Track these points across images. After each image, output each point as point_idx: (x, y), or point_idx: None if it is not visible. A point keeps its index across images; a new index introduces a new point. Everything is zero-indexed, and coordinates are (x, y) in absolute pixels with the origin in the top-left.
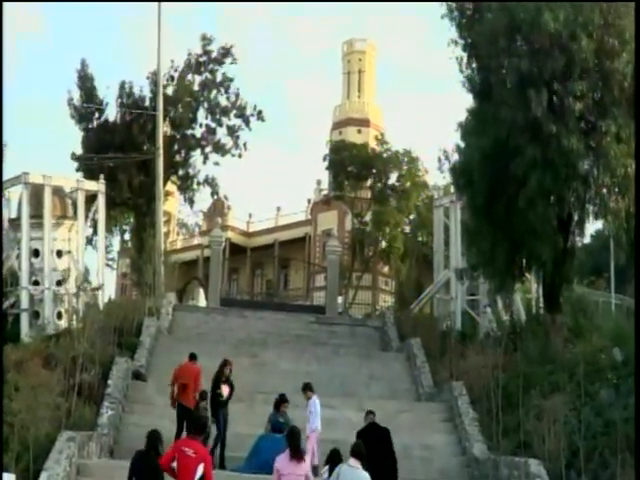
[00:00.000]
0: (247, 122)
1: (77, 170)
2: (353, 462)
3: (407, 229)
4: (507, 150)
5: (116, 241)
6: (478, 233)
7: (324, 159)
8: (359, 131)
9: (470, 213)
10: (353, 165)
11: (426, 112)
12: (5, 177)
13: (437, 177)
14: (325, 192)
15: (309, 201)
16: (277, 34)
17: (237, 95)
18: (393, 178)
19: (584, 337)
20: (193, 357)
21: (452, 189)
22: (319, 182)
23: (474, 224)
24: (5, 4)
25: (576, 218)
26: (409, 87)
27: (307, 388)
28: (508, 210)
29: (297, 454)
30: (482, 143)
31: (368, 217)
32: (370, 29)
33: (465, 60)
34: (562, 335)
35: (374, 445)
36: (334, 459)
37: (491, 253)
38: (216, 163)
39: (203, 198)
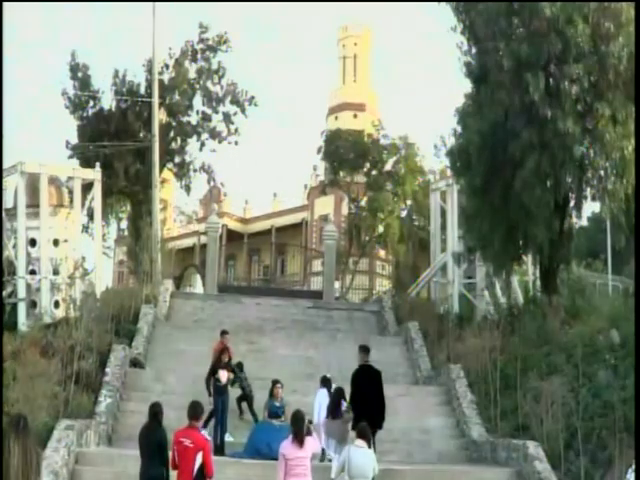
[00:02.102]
0: (243, 108)
1: (70, 157)
2: (360, 442)
3: (404, 214)
4: (504, 133)
5: (113, 229)
6: (476, 216)
7: (318, 151)
8: (355, 116)
9: (467, 196)
10: (349, 153)
11: (422, 96)
12: None
13: (433, 161)
14: (321, 178)
15: (305, 187)
16: (273, 19)
17: (233, 83)
18: (389, 164)
19: (581, 319)
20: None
21: (448, 172)
22: (315, 168)
23: (472, 207)
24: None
25: (573, 200)
26: (405, 72)
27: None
28: (505, 193)
29: (298, 437)
30: (480, 126)
31: (364, 202)
32: (366, 14)
33: (463, 44)
34: (559, 317)
35: (366, 387)
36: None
37: (489, 235)
38: (212, 150)
39: (200, 185)
